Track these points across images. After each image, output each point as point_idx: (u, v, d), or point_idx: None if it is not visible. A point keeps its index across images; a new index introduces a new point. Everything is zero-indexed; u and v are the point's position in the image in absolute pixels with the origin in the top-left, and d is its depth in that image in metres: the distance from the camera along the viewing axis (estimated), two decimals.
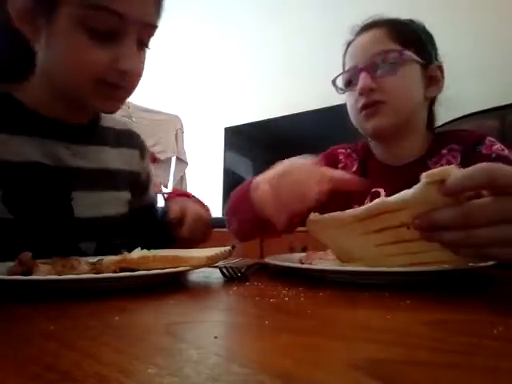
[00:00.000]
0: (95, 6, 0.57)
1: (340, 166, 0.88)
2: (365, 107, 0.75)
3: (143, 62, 0.67)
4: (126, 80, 0.63)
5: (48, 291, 0.44)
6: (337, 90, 0.83)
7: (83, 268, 0.49)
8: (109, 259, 0.51)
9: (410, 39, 0.76)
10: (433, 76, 0.77)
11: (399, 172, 0.78)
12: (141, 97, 3.59)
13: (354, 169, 0.86)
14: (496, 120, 1.36)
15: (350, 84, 0.80)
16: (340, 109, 1.09)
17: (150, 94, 3.69)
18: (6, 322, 0.34)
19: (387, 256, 0.47)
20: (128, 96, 0.67)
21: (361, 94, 0.75)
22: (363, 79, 0.74)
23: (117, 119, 0.84)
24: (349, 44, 0.81)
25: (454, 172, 0.38)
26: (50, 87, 0.66)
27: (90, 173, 0.73)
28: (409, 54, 0.74)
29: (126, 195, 0.81)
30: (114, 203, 0.77)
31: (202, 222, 0.76)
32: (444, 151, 0.78)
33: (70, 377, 0.21)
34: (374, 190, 0.77)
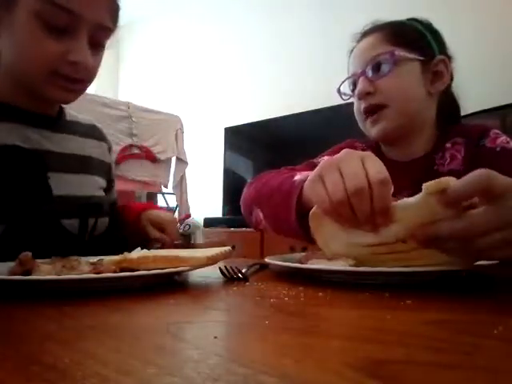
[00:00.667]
0: (50, 2, 0.61)
1: None
2: (367, 112, 0.77)
3: (99, 61, 0.72)
4: (79, 72, 0.67)
5: (48, 291, 0.44)
6: (341, 97, 0.84)
7: (83, 268, 0.49)
8: (109, 259, 0.51)
9: (406, 38, 0.76)
10: (437, 71, 0.76)
11: (406, 167, 0.78)
12: (141, 97, 3.59)
13: None
14: (496, 120, 1.36)
15: (354, 89, 0.81)
16: (340, 109, 1.09)
17: (150, 94, 3.70)
18: (6, 322, 0.34)
19: (382, 261, 0.48)
20: (84, 88, 0.71)
21: (359, 98, 0.77)
22: (360, 84, 0.76)
23: (79, 115, 0.87)
24: (351, 52, 0.82)
25: (452, 183, 0.40)
26: (14, 80, 0.70)
27: (63, 156, 0.76)
28: (401, 53, 0.73)
29: (100, 181, 0.84)
30: (90, 185, 0.80)
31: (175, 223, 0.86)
32: (448, 145, 0.77)
33: (70, 377, 0.21)
34: None
